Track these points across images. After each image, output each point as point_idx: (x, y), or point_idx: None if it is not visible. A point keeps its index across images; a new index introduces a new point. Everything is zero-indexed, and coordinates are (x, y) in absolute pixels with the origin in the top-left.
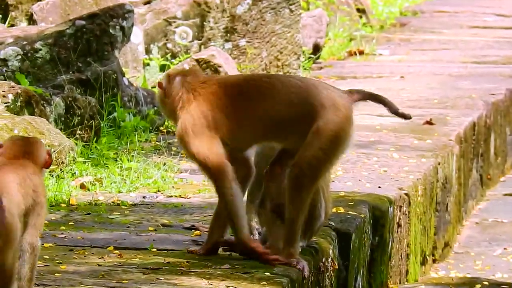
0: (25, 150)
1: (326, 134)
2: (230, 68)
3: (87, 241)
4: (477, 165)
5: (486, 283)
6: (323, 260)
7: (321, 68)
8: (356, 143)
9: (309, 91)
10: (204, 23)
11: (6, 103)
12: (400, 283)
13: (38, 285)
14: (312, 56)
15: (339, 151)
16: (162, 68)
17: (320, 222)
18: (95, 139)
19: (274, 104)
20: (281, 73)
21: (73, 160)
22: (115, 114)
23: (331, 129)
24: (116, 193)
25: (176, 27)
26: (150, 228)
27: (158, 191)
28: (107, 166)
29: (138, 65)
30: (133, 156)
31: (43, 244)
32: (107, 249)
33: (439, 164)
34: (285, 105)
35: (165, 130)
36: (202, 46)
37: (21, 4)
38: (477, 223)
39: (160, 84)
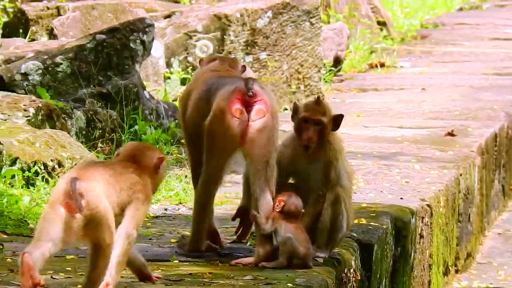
0: (132, 153)
1: None
2: None
3: None
4: (499, 176)
5: None
6: (346, 271)
7: (342, 80)
8: (377, 155)
9: None
10: (225, 36)
11: (27, 116)
12: None
13: None
14: (333, 68)
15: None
16: (183, 81)
17: (342, 233)
18: (116, 152)
19: None
20: (302, 85)
21: None
22: (136, 127)
23: None
24: None
25: (196, 41)
26: (172, 240)
27: (180, 203)
28: None
29: (159, 79)
30: None
31: (65, 256)
32: None
33: (461, 175)
34: None
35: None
36: None
37: (41, 19)
38: (499, 233)
39: None
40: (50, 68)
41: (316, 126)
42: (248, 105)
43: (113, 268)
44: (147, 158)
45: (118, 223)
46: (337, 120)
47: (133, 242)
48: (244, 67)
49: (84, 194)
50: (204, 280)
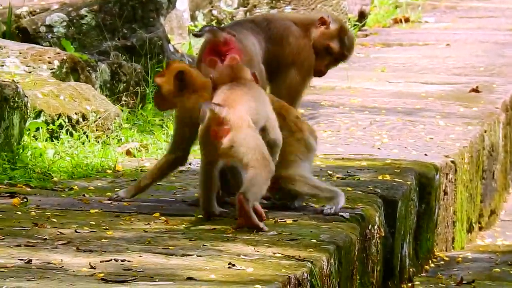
0: (233, 74)
1: None
2: None
3: (133, 208)
4: None
5: None
6: (370, 227)
7: (366, 35)
8: (402, 111)
9: None
10: None
11: (52, 69)
12: (446, 250)
13: (84, 251)
14: (357, 23)
15: None
16: None
17: None
18: (140, 105)
19: None
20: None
21: (119, 127)
22: None
23: None
24: None
25: None
26: (196, 195)
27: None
28: (152, 133)
29: (184, 32)
30: None
31: (88, 210)
32: (153, 215)
33: (485, 131)
34: None
35: None
36: (248, 13)
37: None
38: None
39: None
40: (74, 21)
41: None
42: (222, 55)
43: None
44: (244, 73)
45: None
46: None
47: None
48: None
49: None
50: (228, 235)
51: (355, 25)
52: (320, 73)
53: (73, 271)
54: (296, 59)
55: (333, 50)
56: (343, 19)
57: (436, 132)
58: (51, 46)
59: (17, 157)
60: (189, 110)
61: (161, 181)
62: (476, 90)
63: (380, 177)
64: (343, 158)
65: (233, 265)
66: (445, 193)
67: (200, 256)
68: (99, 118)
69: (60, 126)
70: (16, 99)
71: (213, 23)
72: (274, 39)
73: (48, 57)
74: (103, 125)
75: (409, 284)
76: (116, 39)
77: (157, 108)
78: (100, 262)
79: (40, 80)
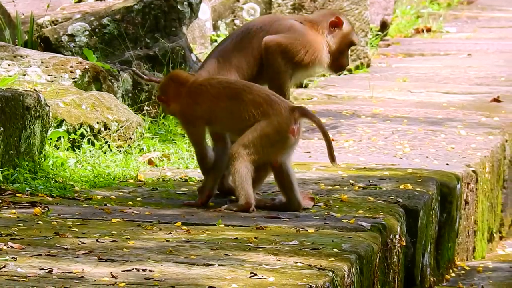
0: None
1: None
2: None
3: (155, 217)
4: None
5: None
6: (391, 236)
7: (388, 45)
8: (424, 120)
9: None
10: None
11: (73, 78)
12: (467, 260)
13: (105, 260)
14: (379, 33)
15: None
16: None
17: None
18: (162, 115)
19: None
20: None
21: (141, 136)
22: None
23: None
24: (184, 169)
25: (243, 4)
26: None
27: None
28: (174, 142)
29: (206, 42)
30: None
31: (110, 220)
32: (175, 224)
33: (506, 141)
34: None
35: None
36: None
37: None
38: None
39: None
40: (97, 30)
41: None
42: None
43: None
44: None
45: None
46: None
47: None
48: None
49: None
50: (250, 244)
51: (377, 35)
52: (345, 67)
53: (94, 280)
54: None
55: (356, 43)
56: (365, 29)
57: (458, 141)
58: (73, 55)
59: (38, 166)
60: (182, 111)
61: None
62: (497, 100)
63: (401, 187)
64: (364, 168)
65: (255, 274)
66: (466, 202)
67: (221, 265)
68: (121, 127)
69: (82, 136)
70: (38, 108)
71: None
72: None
73: (70, 67)
74: (125, 135)
75: None
76: (138, 48)
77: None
78: (122, 271)
79: (62, 90)
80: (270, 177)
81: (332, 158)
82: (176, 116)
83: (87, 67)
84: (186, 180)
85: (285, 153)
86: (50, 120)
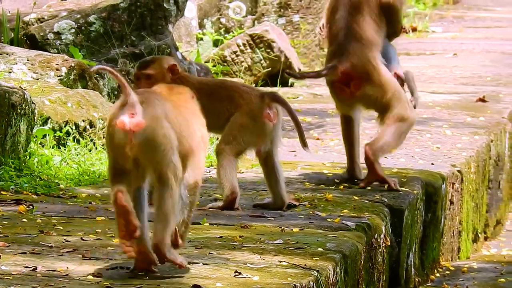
0: None
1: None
2: (283, 43)
3: None
4: None
5: None
6: (376, 236)
7: None
8: None
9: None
10: None
11: (59, 76)
12: (452, 260)
13: (90, 258)
14: None
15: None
16: (215, 43)
17: None
18: None
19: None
20: None
21: None
22: None
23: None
24: None
25: (230, 2)
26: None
27: (211, 165)
28: None
29: (192, 40)
30: None
31: (95, 218)
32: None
33: (491, 141)
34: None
35: None
36: (256, 21)
37: None
38: None
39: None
40: (83, 28)
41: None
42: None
43: None
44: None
45: None
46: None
47: None
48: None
49: None
50: (235, 243)
51: None
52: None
53: (79, 279)
54: None
55: None
56: None
57: (443, 141)
58: (59, 53)
59: (23, 164)
60: None
61: None
62: (483, 100)
63: (386, 186)
64: None
65: (239, 273)
66: (451, 202)
67: (206, 264)
68: (106, 125)
69: (67, 133)
70: (24, 105)
71: (221, 31)
72: None
73: (56, 64)
74: None
75: None
76: (124, 46)
77: None
78: (106, 270)
79: (48, 87)
80: (259, 175)
81: (304, 144)
82: None
83: (73, 64)
84: None
85: (266, 140)
86: (35, 117)
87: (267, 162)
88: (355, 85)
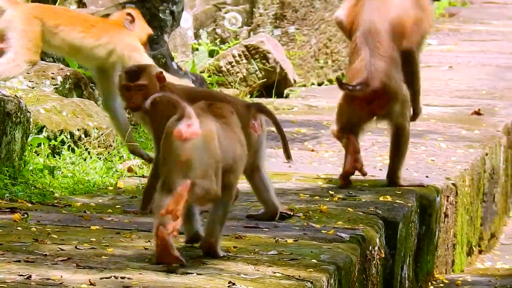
0: None
1: None
2: (279, 54)
3: (134, 225)
4: None
5: None
6: (370, 248)
7: None
8: None
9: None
10: (254, 9)
11: (55, 85)
12: (446, 273)
13: (84, 267)
14: None
15: None
16: (211, 53)
17: None
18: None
19: None
20: (330, 60)
21: (121, 143)
22: None
23: None
24: None
25: (225, 13)
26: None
27: None
28: None
29: (187, 50)
30: None
31: (89, 227)
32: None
33: (486, 154)
34: None
35: None
36: (251, 32)
37: None
38: None
39: None
40: None
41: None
42: None
43: None
44: None
45: None
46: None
47: None
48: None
49: None
50: (229, 254)
51: None
52: None
53: (73, 287)
54: None
55: None
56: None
57: (438, 154)
58: (54, 62)
59: (18, 172)
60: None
61: None
62: (478, 113)
63: (381, 198)
64: None
65: (233, 284)
66: (446, 215)
67: (200, 274)
68: (102, 134)
69: (62, 142)
70: (19, 114)
71: (217, 42)
72: None
73: (52, 73)
74: (105, 142)
75: None
76: None
77: None
78: (100, 279)
79: (43, 96)
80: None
81: (288, 155)
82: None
83: (68, 74)
84: None
85: (251, 151)
86: (30, 126)
87: (253, 174)
88: (379, 104)
